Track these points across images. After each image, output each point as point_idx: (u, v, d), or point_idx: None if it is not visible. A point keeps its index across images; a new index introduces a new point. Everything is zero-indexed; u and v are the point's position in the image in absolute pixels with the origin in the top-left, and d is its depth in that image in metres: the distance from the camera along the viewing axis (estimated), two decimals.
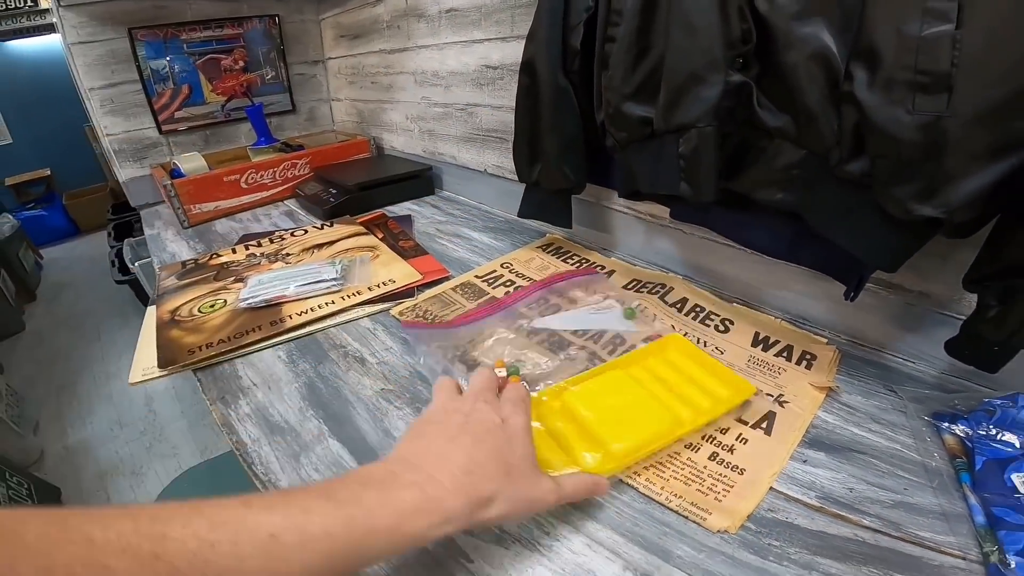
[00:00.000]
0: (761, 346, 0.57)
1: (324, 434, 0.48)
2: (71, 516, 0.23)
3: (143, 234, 1.12)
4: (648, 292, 0.68)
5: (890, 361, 0.55)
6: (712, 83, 0.46)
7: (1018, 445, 0.41)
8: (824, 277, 0.56)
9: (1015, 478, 0.38)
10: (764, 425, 0.46)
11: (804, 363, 0.54)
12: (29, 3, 2.97)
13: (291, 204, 1.18)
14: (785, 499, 0.40)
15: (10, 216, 2.95)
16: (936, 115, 0.36)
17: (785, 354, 0.56)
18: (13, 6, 2.95)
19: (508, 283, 0.71)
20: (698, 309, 0.64)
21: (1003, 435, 0.42)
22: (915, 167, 0.38)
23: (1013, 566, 0.33)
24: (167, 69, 1.25)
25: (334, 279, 0.71)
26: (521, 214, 0.79)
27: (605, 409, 0.46)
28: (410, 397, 0.52)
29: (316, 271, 0.73)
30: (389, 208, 1.08)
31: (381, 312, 0.68)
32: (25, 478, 1.42)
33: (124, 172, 1.26)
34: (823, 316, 0.60)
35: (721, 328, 0.60)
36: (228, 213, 1.13)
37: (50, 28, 3.00)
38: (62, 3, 1.08)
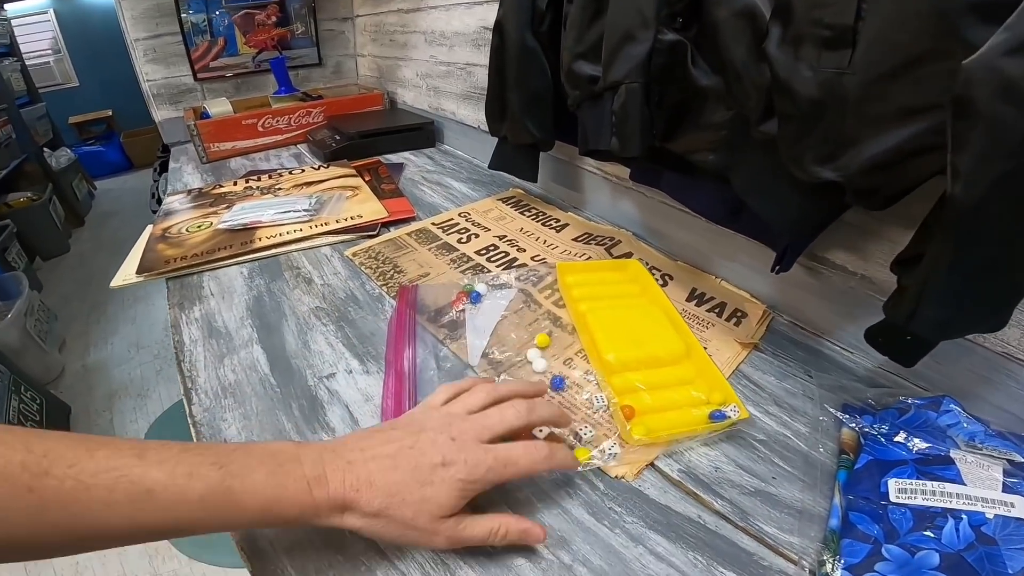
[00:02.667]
0: (695, 301, 0.59)
1: (252, 341, 0.53)
2: None
3: None
4: (596, 244, 0.70)
5: (826, 348, 0.52)
6: (641, 40, 0.47)
7: (914, 450, 0.36)
8: (770, 251, 0.54)
9: (892, 483, 0.34)
10: None
11: (734, 320, 0.55)
12: None
13: (301, 148, 1.24)
14: (649, 467, 0.39)
15: (67, 150, 3.18)
16: (837, 71, 0.35)
17: (717, 310, 0.57)
18: None
19: (463, 231, 0.74)
20: (641, 262, 0.65)
21: (901, 436, 0.38)
22: (816, 127, 0.38)
23: None
24: (206, 23, 1.32)
25: (306, 210, 0.76)
26: (491, 165, 0.81)
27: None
28: (337, 316, 0.56)
29: (292, 202, 0.77)
30: (387, 156, 1.13)
31: (342, 243, 0.72)
32: (39, 394, 1.47)
33: (160, 113, 1.37)
34: (767, 291, 0.59)
35: (660, 282, 0.62)
36: (244, 152, 1.21)
37: None
38: None
